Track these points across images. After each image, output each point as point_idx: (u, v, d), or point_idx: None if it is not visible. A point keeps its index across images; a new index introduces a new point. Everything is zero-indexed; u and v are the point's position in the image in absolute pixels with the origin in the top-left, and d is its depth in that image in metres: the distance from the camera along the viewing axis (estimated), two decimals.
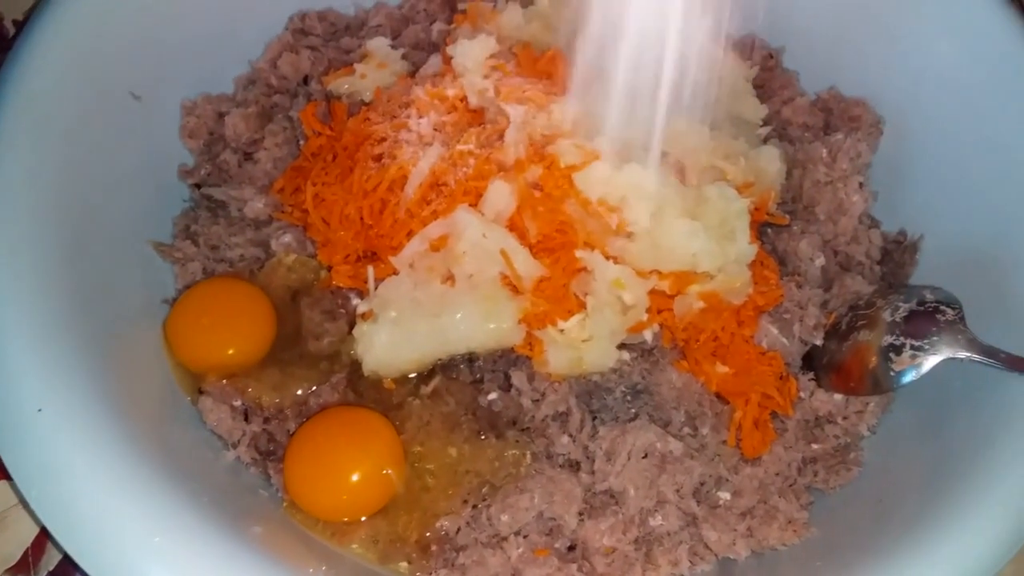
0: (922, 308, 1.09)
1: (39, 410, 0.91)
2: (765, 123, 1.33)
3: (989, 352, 1.02)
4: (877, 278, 1.26)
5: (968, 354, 1.03)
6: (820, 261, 1.24)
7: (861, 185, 1.28)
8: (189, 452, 1.07)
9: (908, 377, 1.07)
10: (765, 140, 1.30)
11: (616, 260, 1.12)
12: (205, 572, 0.87)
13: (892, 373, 1.08)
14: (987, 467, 0.97)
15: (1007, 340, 1.04)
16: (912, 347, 1.07)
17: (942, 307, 1.08)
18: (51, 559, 1.16)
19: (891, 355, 1.08)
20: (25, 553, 1.15)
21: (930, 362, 1.06)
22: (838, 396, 1.15)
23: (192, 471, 1.01)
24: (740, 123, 1.30)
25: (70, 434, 0.91)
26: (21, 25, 1.52)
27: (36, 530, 1.17)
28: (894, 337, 1.09)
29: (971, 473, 0.98)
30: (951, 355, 1.04)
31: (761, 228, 1.25)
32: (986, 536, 0.93)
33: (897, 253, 1.28)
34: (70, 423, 0.92)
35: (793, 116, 1.36)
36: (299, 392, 1.14)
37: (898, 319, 1.10)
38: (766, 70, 1.40)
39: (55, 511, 0.90)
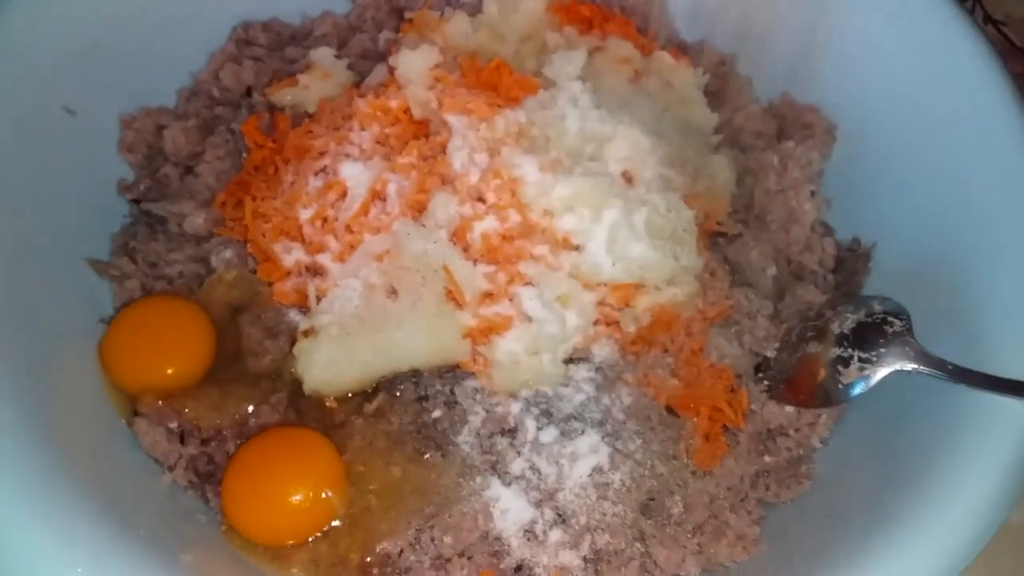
0: (870, 320, 1.08)
1: None
2: (717, 131, 1.30)
3: (936, 364, 1.00)
4: (830, 287, 1.25)
5: (915, 366, 1.01)
6: (772, 271, 1.22)
7: (813, 193, 1.26)
8: (124, 477, 1.04)
9: (857, 389, 1.05)
10: (717, 148, 1.28)
11: (561, 272, 1.10)
12: None
13: (841, 386, 1.06)
14: (935, 481, 0.95)
15: (957, 348, 1.02)
16: (860, 359, 1.05)
17: (890, 318, 1.06)
18: None
19: (839, 368, 1.07)
20: None
21: (878, 374, 1.04)
22: (790, 408, 1.13)
23: (126, 497, 0.99)
24: (691, 131, 1.28)
25: None
26: None
27: None
28: (842, 349, 1.07)
29: (920, 486, 0.96)
30: (899, 367, 1.03)
31: (713, 237, 1.23)
32: (934, 550, 0.92)
33: (850, 261, 1.26)
34: None
35: (745, 123, 1.34)
36: (238, 412, 1.11)
37: (846, 331, 1.08)
38: (718, 77, 1.38)
39: None
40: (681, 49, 1.40)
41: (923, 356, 1.02)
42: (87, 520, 0.88)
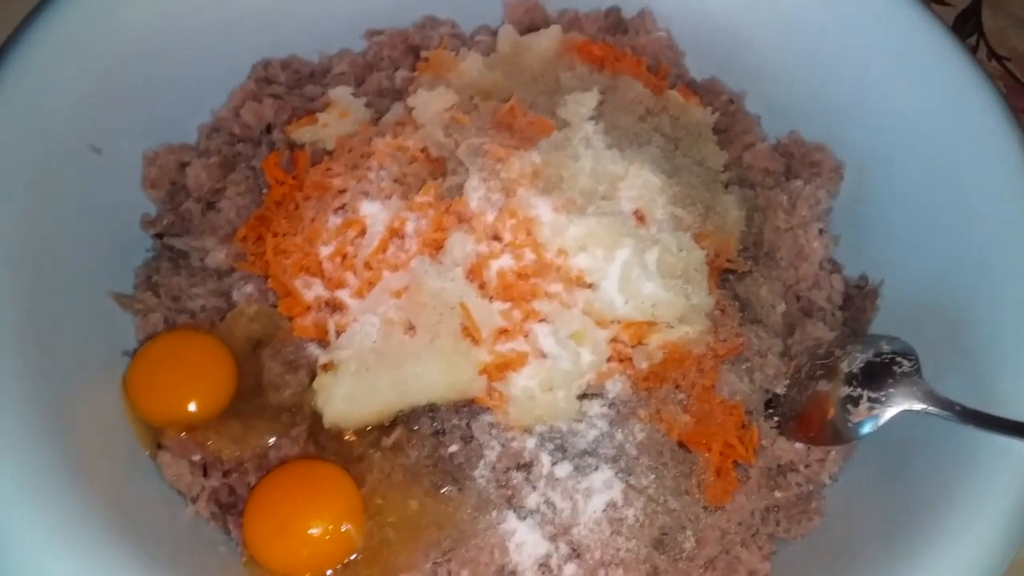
0: (879, 359, 1.10)
1: None
2: (726, 168, 1.33)
3: (944, 404, 1.02)
4: (839, 323, 1.27)
5: (924, 406, 1.04)
6: (781, 308, 1.24)
7: (821, 231, 1.29)
8: (147, 509, 1.06)
9: (866, 428, 1.07)
10: (726, 185, 1.31)
11: (575, 310, 1.12)
12: None
13: (851, 424, 1.08)
14: (944, 520, 0.97)
15: (964, 387, 1.05)
16: (869, 399, 1.07)
17: (898, 358, 1.08)
18: None
19: (849, 406, 1.09)
20: None
21: (887, 414, 1.06)
22: (799, 445, 1.15)
23: (149, 529, 1.01)
24: (701, 169, 1.30)
25: (21, 493, 0.91)
26: None
27: None
28: (851, 388, 1.09)
29: (928, 525, 0.98)
30: (907, 407, 1.05)
31: (723, 275, 1.25)
32: None
33: (858, 299, 1.28)
34: (22, 482, 0.92)
35: (754, 161, 1.37)
36: (260, 445, 1.13)
37: (855, 370, 1.11)
38: (727, 115, 1.41)
39: (6, 573, 0.89)
40: (691, 87, 1.43)
41: (931, 396, 1.04)
42: (112, 551, 0.91)
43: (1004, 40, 1.77)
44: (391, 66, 1.42)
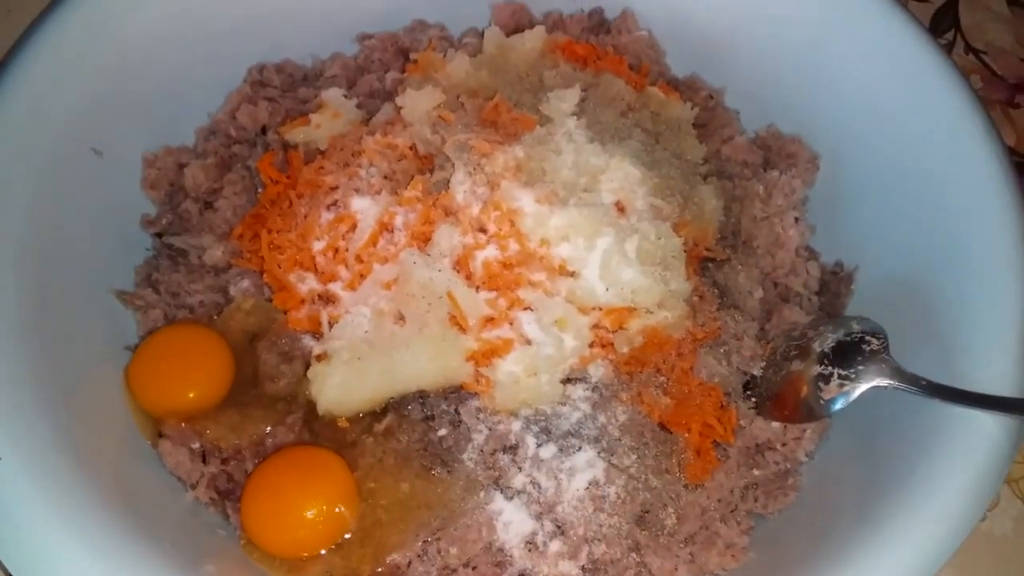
0: (849, 338, 1.14)
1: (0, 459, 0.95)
2: (705, 161, 1.37)
3: (911, 380, 1.07)
4: (815, 308, 1.31)
5: (891, 382, 1.08)
6: (759, 293, 1.29)
7: (797, 220, 1.33)
8: (149, 494, 1.11)
9: (838, 405, 1.12)
10: (705, 178, 1.35)
11: (558, 298, 1.16)
12: None
13: (823, 401, 1.12)
14: (912, 489, 1.02)
15: (932, 365, 1.09)
16: (840, 376, 1.12)
17: (867, 337, 1.13)
18: None
19: (821, 384, 1.13)
20: None
21: (857, 390, 1.10)
22: (776, 424, 1.19)
23: (151, 513, 1.06)
24: (680, 162, 1.35)
25: (30, 481, 0.96)
26: None
27: None
28: (823, 367, 1.14)
29: (898, 495, 1.02)
30: (876, 383, 1.09)
31: (702, 262, 1.30)
32: (911, 552, 0.98)
33: (834, 284, 1.33)
34: (30, 470, 0.96)
35: (733, 154, 1.41)
36: (256, 433, 1.18)
37: (826, 349, 1.15)
38: (707, 110, 1.46)
39: (14, 555, 0.93)
40: (672, 84, 1.47)
41: (898, 372, 1.08)
42: (117, 533, 0.95)
43: (980, 34, 1.82)
44: (381, 68, 1.47)
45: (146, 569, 0.93)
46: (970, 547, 1.27)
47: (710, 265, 1.31)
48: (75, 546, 0.93)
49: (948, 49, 1.77)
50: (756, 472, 1.19)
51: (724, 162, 1.41)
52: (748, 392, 1.23)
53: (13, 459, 0.96)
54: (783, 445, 1.20)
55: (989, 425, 1.01)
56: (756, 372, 1.22)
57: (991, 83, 1.76)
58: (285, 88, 1.46)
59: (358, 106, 1.41)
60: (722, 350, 1.21)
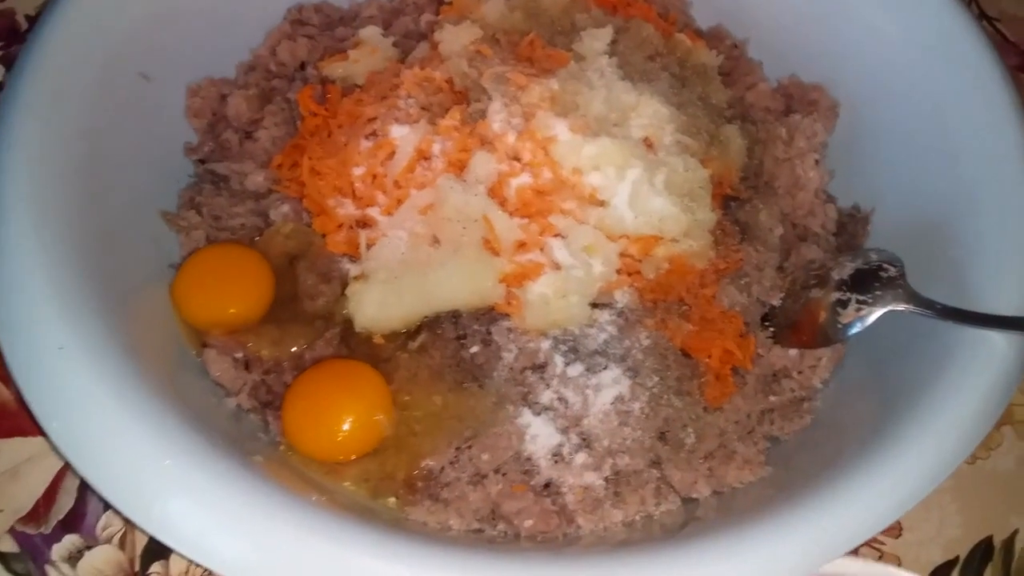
0: (867, 267, 1.19)
1: (60, 348, 1.00)
2: (730, 106, 1.43)
3: (926, 304, 1.12)
4: (832, 248, 1.37)
5: (907, 306, 1.13)
6: (779, 231, 1.34)
7: (817, 162, 1.38)
8: (195, 397, 1.15)
9: (854, 329, 1.17)
10: (729, 121, 1.40)
11: (588, 225, 1.21)
12: (212, 493, 0.96)
13: (840, 326, 1.18)
14: (923, 405, 1.07)
15: (945, 292, 1.14)
16: (857, 301, 1.17)
17: (885, 265, 1.18)
18: (61, 508, 1.25)
19: (838, 309, 1.18)
20: (36, 504, 1.25)
21: (874, 315, 1.15)
22: (793, 352, 1.25)
23: (198, 412, 1.10)
24: (707, 106, 1.40)
25: (88, 369, 1.00)
26: (33, 20, 1.62)
27: (47, 482, 1.26)
28: (841, 293, 1.19)
29: (909, 412, 1.07)
30: (892, 307, 1.14)
31: (725, 201, 1.35)
32: (921, 463, 1.03)
33: (851, 225, 1.38)
34: (88, 359, 1.01)
35: (756, 100, 1.46)
36: (295, 348, 1.23)
37: (845, 277, 1.20)
38: (731, 59, 1.51)
39: (74, 441, 0.98)
40: (698, 33, 1.52)
41: (914, 297, 1.13)
42: (172, 423, 1.00)
43: (995, 2, 1.86)
44: (416, 11, 1.52)
45: (200, 453, 0.98)
46: (974, 484, 1.35)
47: (732, 204, 1.36)
48: (129, 428, 0.97)
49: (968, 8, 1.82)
50: (772, 398, 1.25)
51: (748, 108, 1.46)
52: (766, 323, 1.28)
53: (72, 348, 1.01)
54: (799, 373, 1.25)
55: (1000, 343, 1.07)
56: (775, 302, 1.27)
57: (1003, 49, 1.80)
58: (323, 27, 1.51)
59: (394, 45, 1.45)
60: (743, 281, 1.27)
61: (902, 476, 1.03)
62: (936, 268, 1.21)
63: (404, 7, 1.54)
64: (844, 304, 1.18)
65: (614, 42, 1.35)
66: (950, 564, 1.29)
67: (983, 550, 1.31)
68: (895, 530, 1.31)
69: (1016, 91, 1.30)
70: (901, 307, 1.13)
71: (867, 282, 1.18)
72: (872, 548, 1.29)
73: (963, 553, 1.30)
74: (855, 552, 1.21)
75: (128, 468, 0.97)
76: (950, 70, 1.33)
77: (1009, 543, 1.32)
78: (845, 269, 1.21)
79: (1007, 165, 1.23)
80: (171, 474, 0.96)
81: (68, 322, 1.02)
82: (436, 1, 1.54)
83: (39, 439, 1.27)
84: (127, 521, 1.00)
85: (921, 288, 1.17)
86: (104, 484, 0.97)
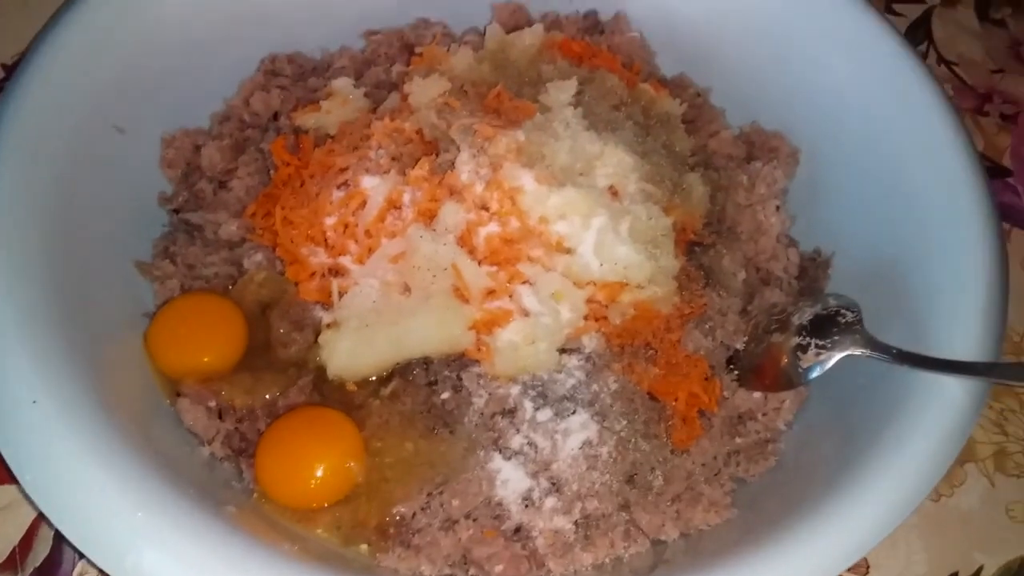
0: (825, 312, 1.23)
1: (34, 401, 1.02)
2: (693, 153, 1.46)
3: (882, 348, 1.15)
4: (794, 291, 1.40)
5: (863, 351, 1.16)
6: (742, 275, 1.37)
7: (778, 208, 1.42)
8: (169, 446, 1.17)
9: (814, 373, 1.20)
10: (692, 168, 1.44)
11: (555, 272, 1.24)
12: (184, 545, 0.97)
13: (800, 370, 1.21)
14: (881, 450, 1.09)
15: (902, 336, 1.17)
16: (816, 346, 1.20)
17: (843, 311, 1.22)
18: (37, 556, 1.26)
19: (799, 353, 1.22)
20: (12, 551, 1.25)
21: (832, 359, 1.19)
22: (757, 394, 1.28)
23: (171, 461, 1.12)
24: (671, 154, 1.43)
25: (60, 423, 1.02)
26: (10, 69, 1.64)
27: (24, 529, 1.27)
28: (801, 338, 1.22)
29: (868, 456, 1.10)
30: (850, 352, 1.18)
31: (690, 247, 1.38)
32: (879, 508, 1.06)
33: (812, 269, 1.41)
34: (62, 413, 1.02)
35: (719, 148, 1.50)
36: (268, 395, 1.25)
37: (804, 322, 1.24)
38: (694, 107, 1.55)
39: (47, 493, 1.00)
40: (662, 83, 1.56)
41: (871, 342, 1.17)
42: (144, 474, 1.01)
43: (952, 47, 1.92)
44: (387, 62, 1.55)
45: (174, 504, 0.99)
46: (938, 521, 1.37)
47: (696, 249, 1.39)
48: (107, 481, 0.99)
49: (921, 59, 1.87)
50: (738, 440, 1.27)
51: (711, 155, 1.49)
52: (731, 367, 1.31)
53: (47, 403, 1.02)
54: (764, 415, 1.28)
55: (954, 388, 1.10)
56: (739, 346, 1.30)
57: (961, 92, 1.86)
58: (296, 78, 1.54)
59: (365, 95, 1.48)
60: (707, 325, 1.30)
61: (864, 516, 1.05)
62: (894, 311, 1.24)
63: (375, 57, 1.57)
64: (804, 348, 1.21)
65: (579, 93, 1.38)
66: None
67: None
68: (862, 568, 1.33)
69: (968, 136, 1.34)
70: (858, 351, 1.17)
71: (826, 327, 1.21)
72: None
73: None
74: None
75: (100, 520, 0.98)
76: (904, 117, 1.38)
77: None
78: (804, 314, 1.24)
79: (960, 211, 1.27)
80: (143, 526, 0.97)
81: (41, 376, 1.04)
82: (407, 51, 1.57)
83: (15, 487, 1.27)
84: (101, 572, 1.01)
85: (880, 331, 1.20)
86: (77, 536, 0.98)
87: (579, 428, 1.20)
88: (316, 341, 1.27)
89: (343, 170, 1.33)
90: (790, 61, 1.51)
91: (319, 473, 1.17)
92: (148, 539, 0.97)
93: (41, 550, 1.26)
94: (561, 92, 1.35)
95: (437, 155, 1.32)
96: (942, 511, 1.39)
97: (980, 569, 1.35)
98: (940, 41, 1.92)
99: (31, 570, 1.24)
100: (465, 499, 1.16)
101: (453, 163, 1.28)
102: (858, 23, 1.46)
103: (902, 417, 1.11)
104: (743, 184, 1.42)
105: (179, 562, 0.96)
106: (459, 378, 1.24)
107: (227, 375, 1.25)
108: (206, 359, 1.25)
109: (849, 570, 1.25)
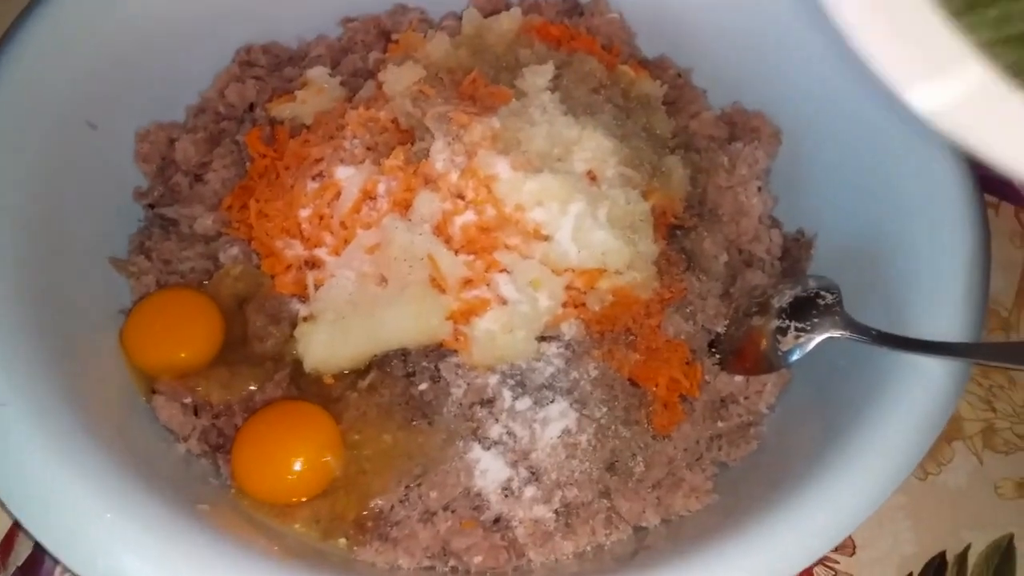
0: (805, 294, 1.22)
1: (3, 404, 1.01)
2: (674, 135, 1.45)
3: (862, 330, 1.14)
4: (777, 273, 1.38)
5: (843, 333, 1.15)
6: (724, 258, 1.36)
7: (759, 189, 1.40)
8: (144, 443, 1.16)
9: (795, 356, 1.19)
10: (673, 150, 1.42)
11: (533, 260, 1.23)
12: (155, 545, 0.97)
13: (780, 353, 1.20)
14: (861, 431, 1.08)
15: (881, 317, 1.16)
16: (796, 329, 1.19)
17: (822, 293, 1.20)
18: (19, 556, 1.25)
19: (779, 337, 1.20)
20: None
21: (812, 341, 1.18)
22: (739, 378, 1.27)
23: (146, 460, 1.11)
24: (651, 136, 1.42)
25: (30, 426, 1.01)
26: None
27: (4, 530, 1.26)
28: (781, 321, 1.21)
29: (848, 437, 1.09)
30: (829, 334, 1.16)
31: (671, 230, 1.37)
32: (859, 488, 1.05)
33: (795, 249, 1.40)
34: (31, 416, 1.02)
35: (700, 129, 1.48)
36: (245, 389, 1.24)
37: (784, 305, 1.22)
38: (676, 88, 1.53)
39: (18, 497, 0.99)
40: (642, 64, 1.54)
41: (850, 324, 1.15)
42: (116, 473, 1.01)
43: None
44: (364, 49, 1.53)
45: (145, 505, 0.98)
46: (926, 500, 1.37)
47: (678, 232, 1.37)
48: (77, 484, 0.98)
49: None
50: (720, 424, 1.26)
51: (692, 136, 1.47)
52: (713, 350, 1.30)
53: (18, 405, 1.01)
54: (745, 399, 1.27)
55: (934, 369, 1.09)
56: (720, 329, 1.29)
57: None
58: (271, 68, 1.52)
59: (341, 84, 1.47)
60: (688, 309, 1.28)
61: (844, 497, 1.04)
62: (875, 292, 1.23)
63: (352, 45, 1.55)
64: (784, 331, 1.20)
65: (557, 76, 1.37)
66: None
67: (937, 566, 1.33)
68: (849, 548, 1.32)
69: None
70: (838, 334, 1.16)
71: (805, 310, 1.20)
72: (827, 567, 1.30)
73: (917, 569, 1.31)
74: (809, 572, 1.24)
75: (72, 523, 0.97)
76: (883, 97, 1.35)
77: (962, 558, 1.33)
78: (784, 297, 1.23)
79: (943, 189, 1.25)
80: (114, 528, 0.96)
81: (10, 378, 1.03)
82: (384, 38, 1.56)
83: None
84: None
85: (861, 312, 1.19)
86: (50, 539, 0.98)
87: (558, 416, 1.19)
88: (293, 335, 1.26)
89: (318, 161, 1.32)
90: (772, 40, 1.48)
91: (296, 468, 1.16)
92: (120, 541, 0.96)
93: (23, 550, 1.25)
94: (538, 77, 1.33)
95: (413, 144, 1.30)
96: (930, 489, 1.38)
97: (968, 547, 1.34)
98: None
99: (13, 569, 1.24)
100: (444, 490, 1.16)
101: (428, 151, 1.26)
102: None
103: (882, 398, 1.10)
104: (724, 165, 1.40)
105: (151, 564, 0.96)
106: (437, 369, 1.23)
107: (203, 370, 1.25)
108: (183, 355, 1.25)
109: (836, 550, 1.26)
